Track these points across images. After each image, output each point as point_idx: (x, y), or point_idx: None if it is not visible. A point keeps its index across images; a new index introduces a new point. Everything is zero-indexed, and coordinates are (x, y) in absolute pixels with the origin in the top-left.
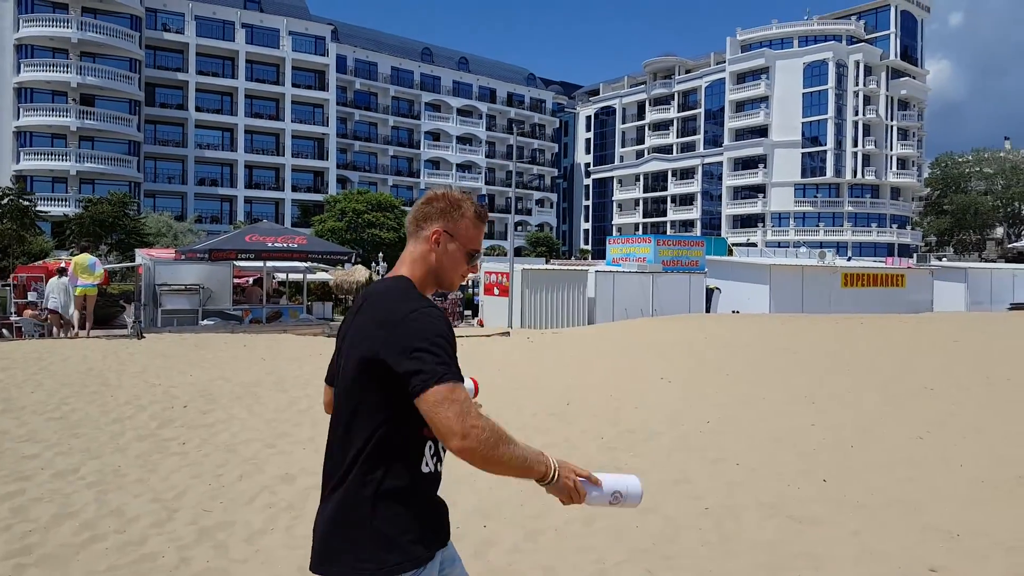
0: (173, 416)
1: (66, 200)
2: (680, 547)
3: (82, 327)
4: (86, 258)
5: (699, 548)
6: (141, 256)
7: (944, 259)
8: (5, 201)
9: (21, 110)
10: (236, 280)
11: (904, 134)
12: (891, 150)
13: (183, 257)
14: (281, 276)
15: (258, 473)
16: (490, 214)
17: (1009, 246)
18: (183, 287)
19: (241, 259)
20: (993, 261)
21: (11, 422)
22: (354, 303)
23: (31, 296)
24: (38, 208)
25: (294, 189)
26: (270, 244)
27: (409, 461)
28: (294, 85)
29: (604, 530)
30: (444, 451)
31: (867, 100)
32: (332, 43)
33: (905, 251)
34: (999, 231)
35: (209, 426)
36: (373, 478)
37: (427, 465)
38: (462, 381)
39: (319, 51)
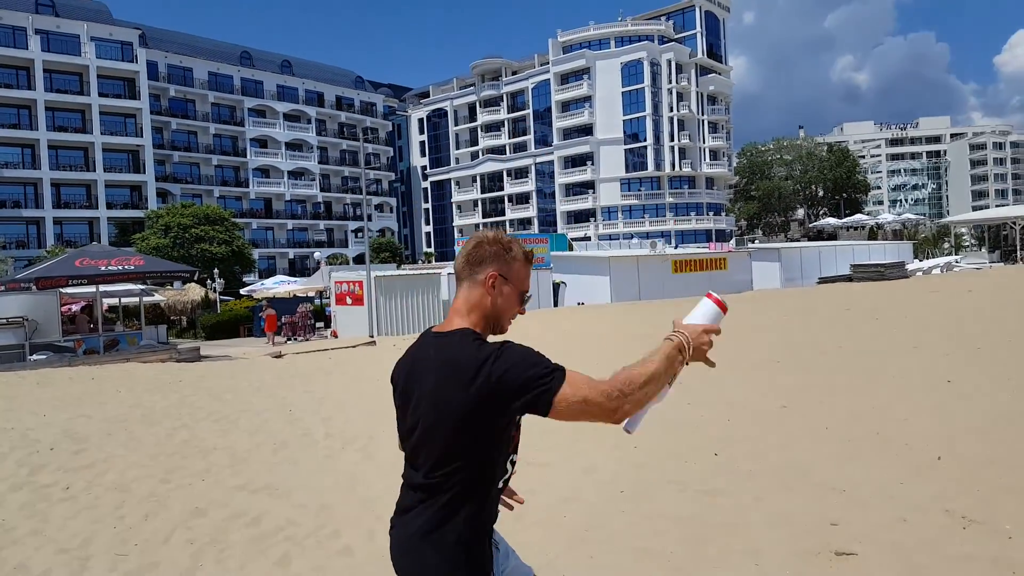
0: (42, 461)
1: None
2: (612, 530)
3: None
4: None
5: (629, 528)
6: None
7: (756, 241)
8: None
9: None
10: (63, 308)
11: (714, 127)
12: (704, 142)
13: (3, 289)
14: (111, 301)
15: (164, 511)
16: (328, 222)
17: (810, 225)
18: (5, 320)
19: (71, 285)
20: (798, 240)
21: None
22: (412, 356)
23: None
24: None
25: (109, 206)
26: (103, 267)
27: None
28: (101, 94)
29: (536, 524)
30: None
31: (680, 96)
32: (141, 48)
33: (722, 236)
34: (800, 212)
35: (89, 467)
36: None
37: (502, 476)
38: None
39: (127, 57)
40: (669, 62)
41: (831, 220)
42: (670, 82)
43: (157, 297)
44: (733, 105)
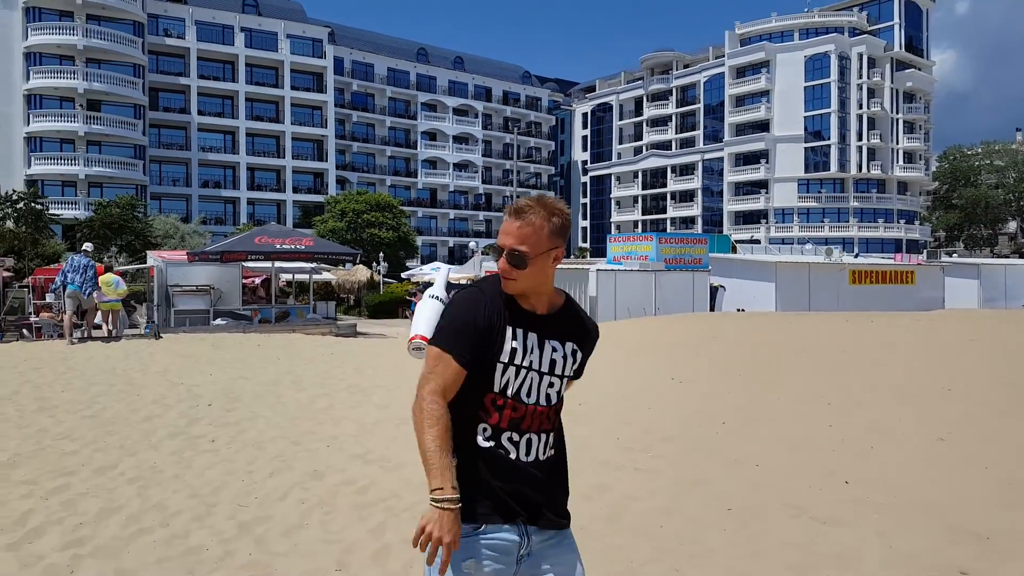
0: (200, 414)
1: (76, 203)
2: (706, 547)
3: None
4: (110, 277)
5: (726, 548)
6: (153, 258)
7: (955, 255)
8: (20, 205)
9: (31, 116)
10: (244, 281)
11: (910, 127)
12: (897, 143)
13: (196, 259)
14: (287, 277)
15: (287, 470)
16: (487, 213)
17: (1023, 241)
18: (195, 288)
19: (251, 260)
20: (1006, 257)
21: (47, 420)
22: None
23: (48, 298)
24: (50, 212)
25: (295, 190)
26: (278, 246)
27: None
28: (293, 88)
29: (628, 529)
30: (523, 442)
31: (871, 93)
32: (329, 45)
33: (913, 247)
34: (1012, 225)
35: (235, 424)
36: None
37: (486, 441)
38: (447, 349)
39: (317, 53)
40: (860, 55)
41: None
42: (860, 77)
43: (328, 276)
44: (935, 104)
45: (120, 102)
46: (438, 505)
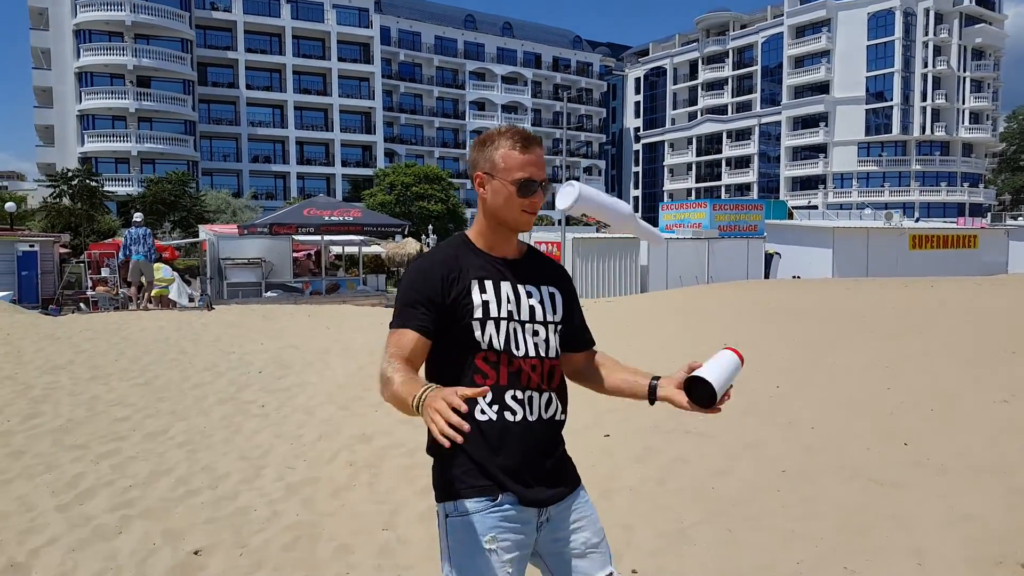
0: (250, 381)
1: (129, 180)
2: (760, 508)
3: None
4: (160, 267)
5: (779, 509)
6: (205, 232)
7: (1020, 219)
8: (75, 182)
9: (83, 94)
10: (295, 254)
11: (978, 86)
12: (963, 103)
13: (245, 232)
14: (337, 250)
15: (336, 434)
16: None
17: None
18: (246, 261)
19: (300, 233)
20: None
21: (100, 387)
22: None
23: (104, 272)
24: (104, 188)
25: (344, 164)
26: (327, 218)
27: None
28: (340, 59)
29: (679, 491)
30: (526, 400)
31: (937, 51)
32: (375, 14)
33: (977, 211)
34: None
35: (285, 390)
36: None
37: (489, 407)
38: (398, 325)
39: (363, 23)
40: (927, 11)
41: None
42: (926, 34)
43: (378, 249)
44: (1007, 61)
45: (169, 78)
46: (422, 399)
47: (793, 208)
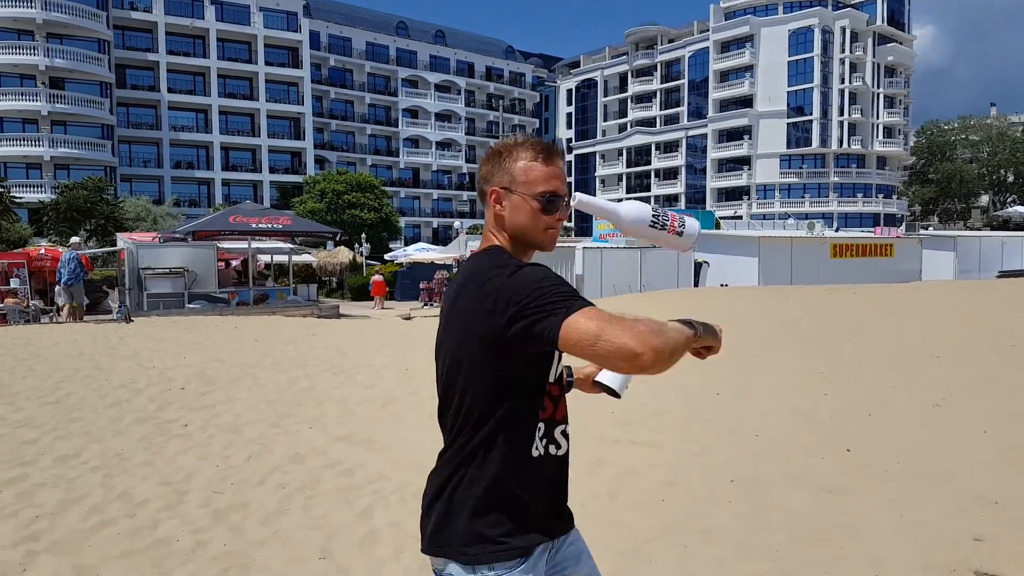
0: (171, 398)
1: (41, 186)
2: (713, 521)
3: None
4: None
5: (733, 521)
6: (123, 240)
7: (930, 228)
8: None
9: None
10: (220, 263)
11: (891, 101)
12: (877, 118)
13: (163, 240)
14: (265, 258)
15: (266, 454)
16: (471, 193)
17: (995, 213)
18: (167, 270)
19: (226, 240)
20: (979, 229)
21: (5, 407)
22: (454, 283)
23: (13, 283)
24: (12, 195)
25: (272, 170)
26: (254, 224)
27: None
28: (267, 63)
29: (630, 505)
30: (564, 425)
31: (853, 67)
32: (304, 18)
33: (891, 220)
34: (984, 199)
35: (210, 407)
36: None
37: (540, 443)
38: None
39: (291, 27)
40: (843, 29)
41: (1020, 208)
42: (843, 51)
43: (308, 257)
44: (915, 79)
45: (85, 79)
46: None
47: (720, 218)
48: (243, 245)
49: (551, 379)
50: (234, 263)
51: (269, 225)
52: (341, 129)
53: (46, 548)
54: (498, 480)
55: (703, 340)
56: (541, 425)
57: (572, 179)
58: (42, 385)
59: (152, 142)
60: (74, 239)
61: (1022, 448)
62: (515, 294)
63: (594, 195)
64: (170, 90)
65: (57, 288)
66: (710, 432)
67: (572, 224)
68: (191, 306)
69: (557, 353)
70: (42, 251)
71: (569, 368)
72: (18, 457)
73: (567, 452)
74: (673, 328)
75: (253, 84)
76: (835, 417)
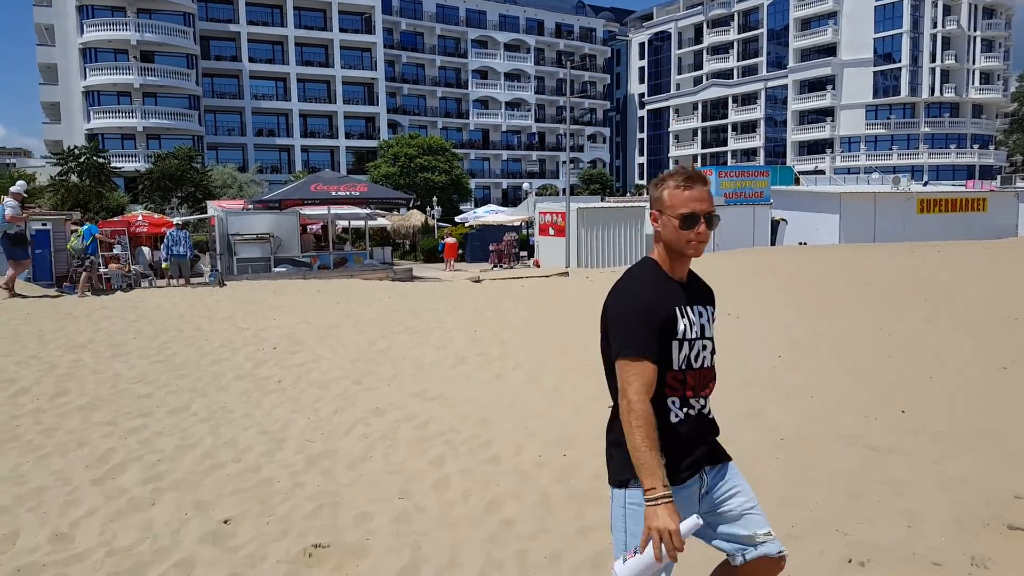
0: (265, 357)
1: (135, 156)
2: (758, 474)
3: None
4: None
5: (777, 475)
6: (213, 208)
7: None
8: (82, 159)
9: (87, 70)
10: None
11: (989, 45)
12: (974, 63)
13: (252, 207)
14: (343, 223)
15: (351, 408)
16: (541, 153)
17: None
18: (255, 236)
19: (308, 207)
20: None
21: (122, 365)
22: None
23: (116, 250)
24: (111, 165)
25: (347, 136)
26: (334, 192)
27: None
28: (342, 30)
29: None
30: (699, 399)
31: (947, 10)
32: None
33: (987, 173)
34: None
35: (300, 365)
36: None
37: (679, 411)
38: (640, 354)
39: None
40: None
41: None
42: None
43: (383, 221)
44: (1017, 19)
45: (173, 52)
46: (654, 504)
47: (800, 173)
48: (323, 211)
49: (675, 366)
50: (314, 228)
51: (347, 193)
52: (413, 93)
53: (169, 487)
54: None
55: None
56: (676, 400)
57: (645, 135)
58: (150, 345)
59: (236, 111)
60: (177, 219)
61: None
62: (607, 312)
63: (667, 151)
64: (251, 59)
65: (163, 254)
66: (766, 393)
67: (645, 182)
68: (277, 270)
69: (688, 344)
70: (139, 218)
71: None
72: (137, 409)
73: (706, 416)
74: (643, 456)
75: (328, 51)
76: (895, 379)
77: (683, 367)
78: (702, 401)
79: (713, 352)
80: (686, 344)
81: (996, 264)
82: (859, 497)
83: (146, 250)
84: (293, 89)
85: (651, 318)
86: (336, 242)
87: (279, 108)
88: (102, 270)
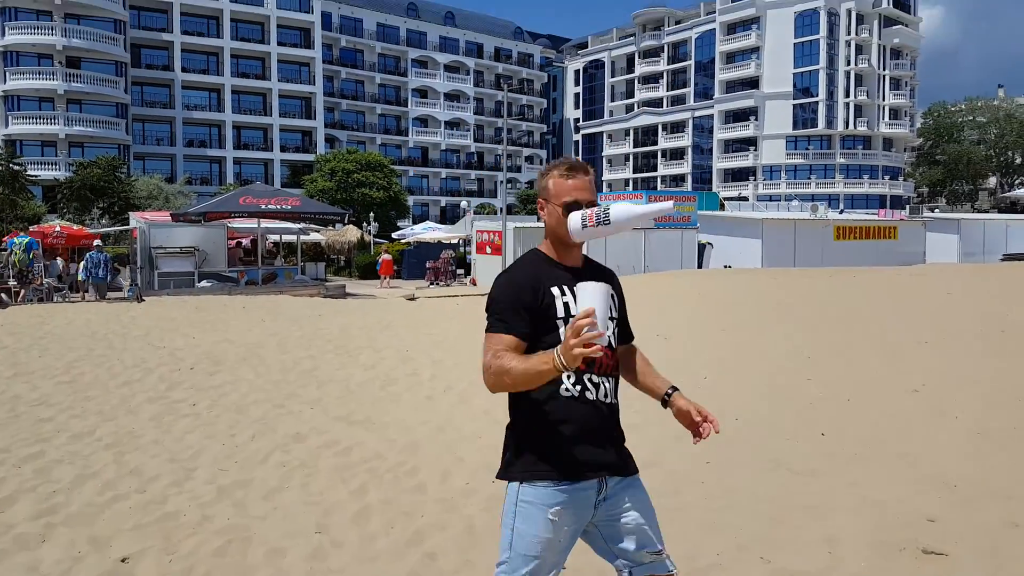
0: (180, 378)
1: (56, 164)
2: (684, 500)
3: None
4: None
5: (702, 501)
6: (135, 219)
7: (936, 210)
8: None
9: (7, 74)
10: (230, 242)
11: (896, 83)
12: (883, 100)
13: (178, 220)
14: (274, 238)
15: (270, 432)
16: (479, 172)
17: (1002, 196)
18: (179, 250)
19: (236, 220)
20: (986, 212)
21: (23, 386)
22: None
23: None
24: (28, 172)
25: (283, 149)
26: (264, 206)
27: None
28: (280, 44)
29: None
30: (593, 376)
31: (859, 49)
32: (316, 0)
33: (897, 203)
34: (992, 181)
35: (217, 387)
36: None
37: (572, 387)
38: (500, 331)
39: (304, 8)
40: (849, 12)
41: None
42: (848, 34)
43: (317, 236)
44: (921, 61)
45: (101, 59)
46: (559, 355)
47: (725, 199)
48: (253, 225)
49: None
50: (243, 242)
51: (279, 206)
52: (352, 109)
53: (63, 521)
54: (547, 423)
55: (569, 364)
56: (570, 374)
57: (579, 159)
58: (57, 364)
59: (165, 120)
60: (96, 241)
61: (988, 433)
62: (489, 293)
63: (601, 175)
64: (184, 69)
65: (82, 275)
66: None
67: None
68: (201, 285)
69: (562, 321)
70: (57, 229)
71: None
72: (36, 435)
73: (604, 402)
74: (526, 366)
75: (266, 64)
76: (815, 402)
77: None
78: (601, 382)
79: (622, 332)
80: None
81: (906, 290)
82: (781, 522)
83: (60, 262)
84: (227, 100)
85: (519, 300)
86: (266, 257)
87: (212, 119)
88: (11, 283)
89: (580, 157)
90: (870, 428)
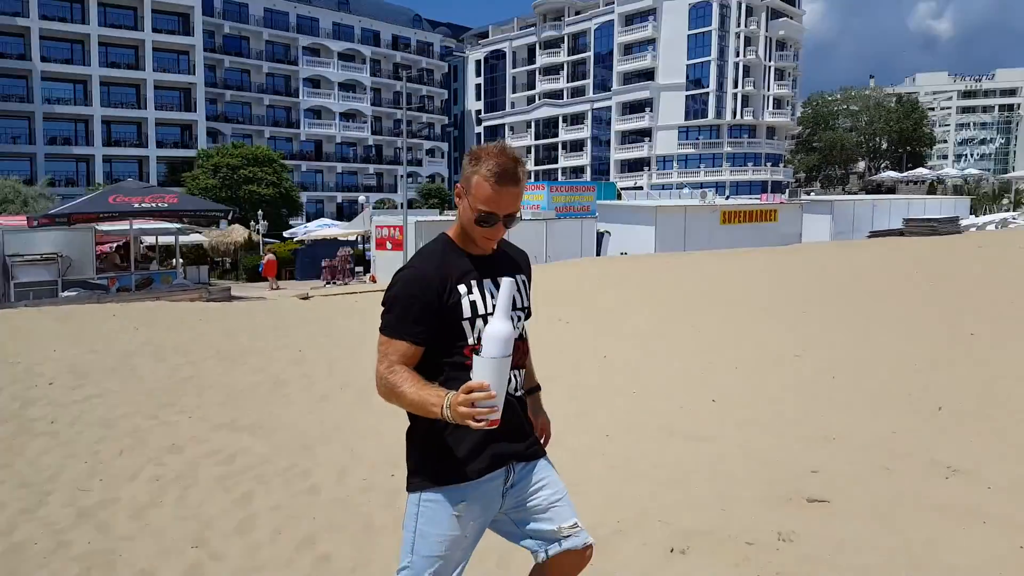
0: (37, 395)
1: None
2: (587, 474)
3: None
4: None
5: (605, 473)
6: None
7: (812, 193)
8: None
9: None
10: (99, 247)
11: (780, 74)
12: (768, 90)
13: (36, 224)
14: (150, 240)
15: (141, 447)
16: (378, 166)
17: (870, 178)
18: (39, 257)
19: (105, 222)
20: (855, 194)
21: None
22: None
23: None
24: None
25: (159, 145)
26: (136, 205)
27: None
28: (155, 30)
29: None
30: (515, 374)
31: (747, 41)
32: None
33: (778, 187)
34: (861, 165)
35: (81, 402)
36: None
37: None
38: (395, 336)
39: None
40: (740, 4)
41: (891, 173)
42: (739, 26)
43: (198, 237)
44: (804, 52)
45: None
46: (448, 406)
47: (622, 189)
48: (125, 227)
49: (471, 341)
50: (114, 246)
51: (154, 205)
52: (236, 100)
53: None
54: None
55: (456, 418)
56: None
57: None
58: None
59: (23, 116)
60: None
61: (864, 390)
62: (388, 286)
63: None
64: (44, 59)
65: None
66: (592, 394)
67: None
68: (65, 294)
69: (482, 319)
70: None
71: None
72: None
73: (514, 395)
74: (414, 398)
75: (139, 52)
76: (705, 371)
77: (480, 339)
78: (512, 376)
79: (525, 321)
80: (479, 320)
81: (785, 266)
82: (678, 486)
83: None
84: (95, 93)
85: (420, 299)
86: (141, 260)
87: (77, 114)
88: None
89: None
90: (755, 392)
